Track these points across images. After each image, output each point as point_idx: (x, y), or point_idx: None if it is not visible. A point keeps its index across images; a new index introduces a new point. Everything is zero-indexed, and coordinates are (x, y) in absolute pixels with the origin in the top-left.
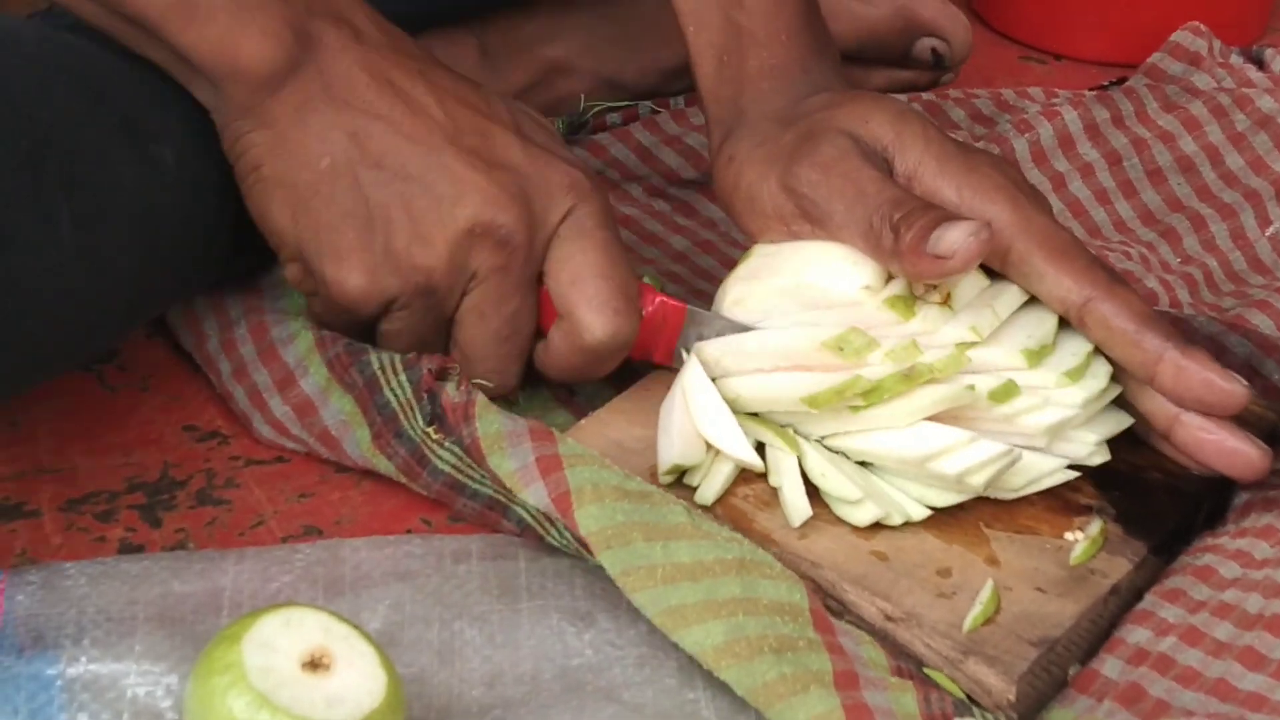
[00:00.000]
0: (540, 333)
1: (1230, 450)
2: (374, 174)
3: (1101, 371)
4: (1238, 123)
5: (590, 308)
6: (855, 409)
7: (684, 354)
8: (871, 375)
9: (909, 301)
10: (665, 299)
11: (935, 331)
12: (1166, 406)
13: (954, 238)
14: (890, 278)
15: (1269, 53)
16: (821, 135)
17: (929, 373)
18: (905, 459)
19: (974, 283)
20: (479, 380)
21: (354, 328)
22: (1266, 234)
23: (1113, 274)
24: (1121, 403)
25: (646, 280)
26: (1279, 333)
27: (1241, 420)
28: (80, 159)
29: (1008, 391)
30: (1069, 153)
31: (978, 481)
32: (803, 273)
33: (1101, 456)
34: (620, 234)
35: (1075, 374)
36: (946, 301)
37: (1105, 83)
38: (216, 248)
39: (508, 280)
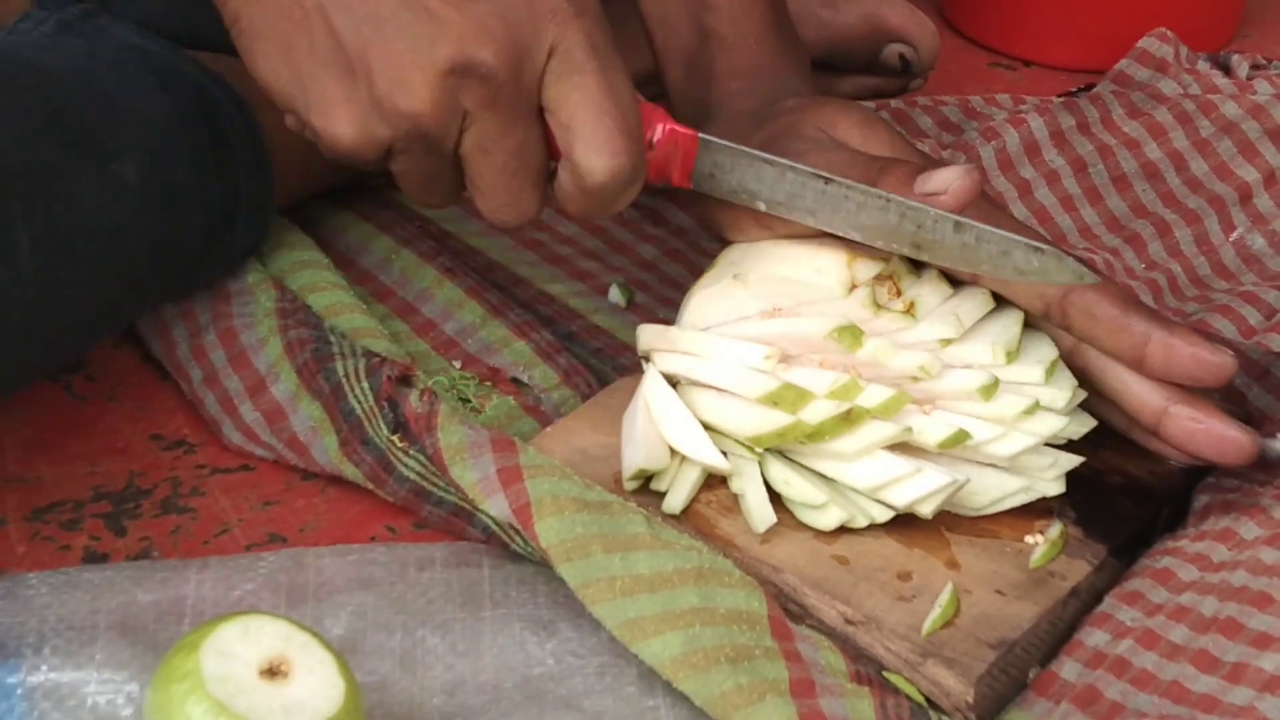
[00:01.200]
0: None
1: (1221, 437)
2: (346, 17)
3: (1066, 380)
4: (1202, 129)
5: (588, 149)
6: (802, 444)
7: (707, 175)
8: (811, 418)
9: (856, 333)
10: (675, 126)
11: (885, 365)
12: (1154, 400)
13: (945, 174)
14: (855, 285)
15: (1235, 59)
16: (795, 133)
17: (868, 414)
18: (855, 486)
19: (937, 291)
20: (493, 216)
21: (368, 167)
22: (1230, 239)
23: (1087, 264)
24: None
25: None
26: (1241, 338)
27: None
28: (38, 179)
29: (957, 439)
30: (1035, 160)
31: (926, 511)
32: (773, 269)
33: (1057, 487)
34: (619, 60)
35: (1033, 409)
36: (910, 310)
37: (1073, 89)
38: (182, 260)
39: (501, 115)
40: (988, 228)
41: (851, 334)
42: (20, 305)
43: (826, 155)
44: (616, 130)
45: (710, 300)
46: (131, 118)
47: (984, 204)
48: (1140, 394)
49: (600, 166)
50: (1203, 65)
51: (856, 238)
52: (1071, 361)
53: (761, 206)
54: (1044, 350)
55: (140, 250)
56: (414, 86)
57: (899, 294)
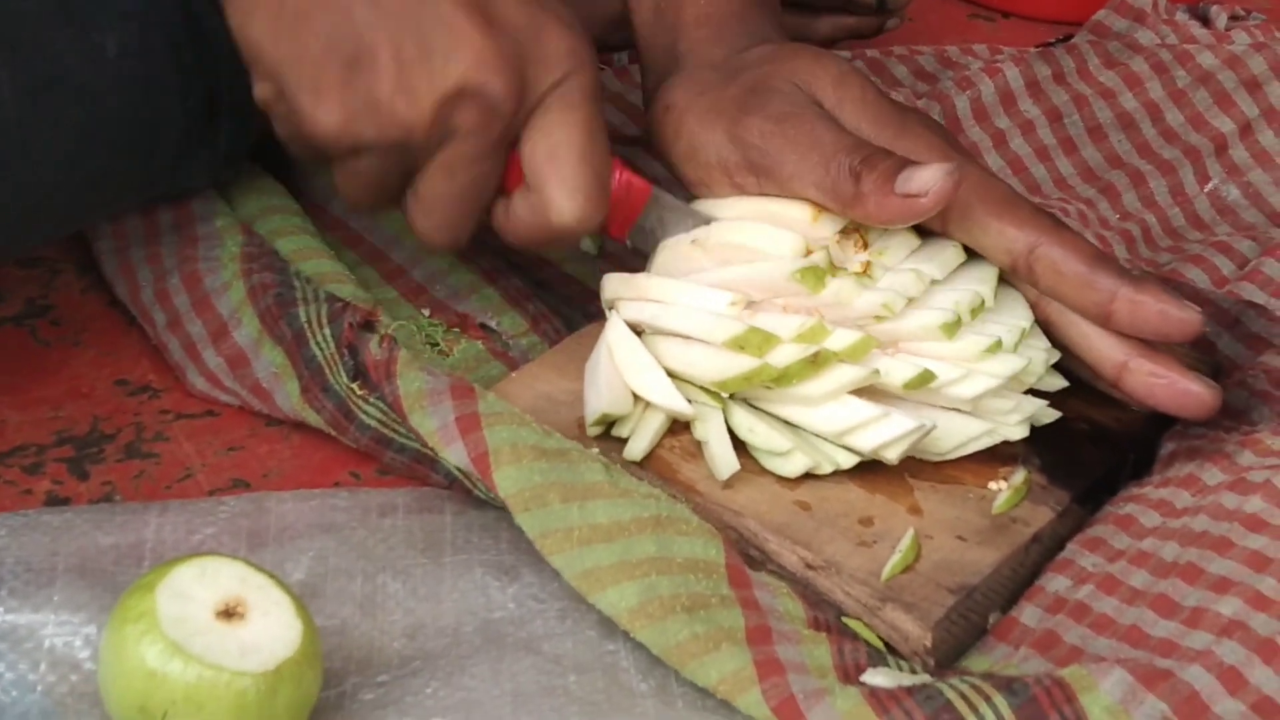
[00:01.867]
0: (501, 192)
1: (1182, 392)
2: (368, 11)
3: (1036, 352)
4: (1178, 79)
5: (563, 188)
6: (768, 388)
7: (648, 231)
8: (778, 361)
9: (819, 273)
10: (632, 177)
11: (849, 304)
12: (1114, 354)
13: (926, 177)
14: (810, 251)
15: (1214, 9)
16: (771, 88)
17: (835, 358)
18: (820, 431)
19: (904, 243)
20: (426, 235)
21: (315, 158)
22: (1205, 190)
23: (1056, 220)
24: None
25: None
26: (1213, 287)
27: None
28: (19, 28)
29: (923, 380)
30: (1010, 110)
31: (891, 455)
32: (730, 236)
33: (1021, 431)
34: (603, 112)
35: (995, 348)
36: (866, 271)
37: (1051, 40)
38: (158, 152)
39: (485, 142)
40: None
41: (815, 274)
42: (6, 152)
43: (810, 127)
44: (593, 177)
45: (674, 260)
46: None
47: (971, 168)
48: (1101, 348)
49: (571, 209)
50: (1181, 16)
51: None
52: (1035, 312)
53: None
54: (1015, 314)
55: (116, 125)
56: (418, 98)
57: (865, 246)
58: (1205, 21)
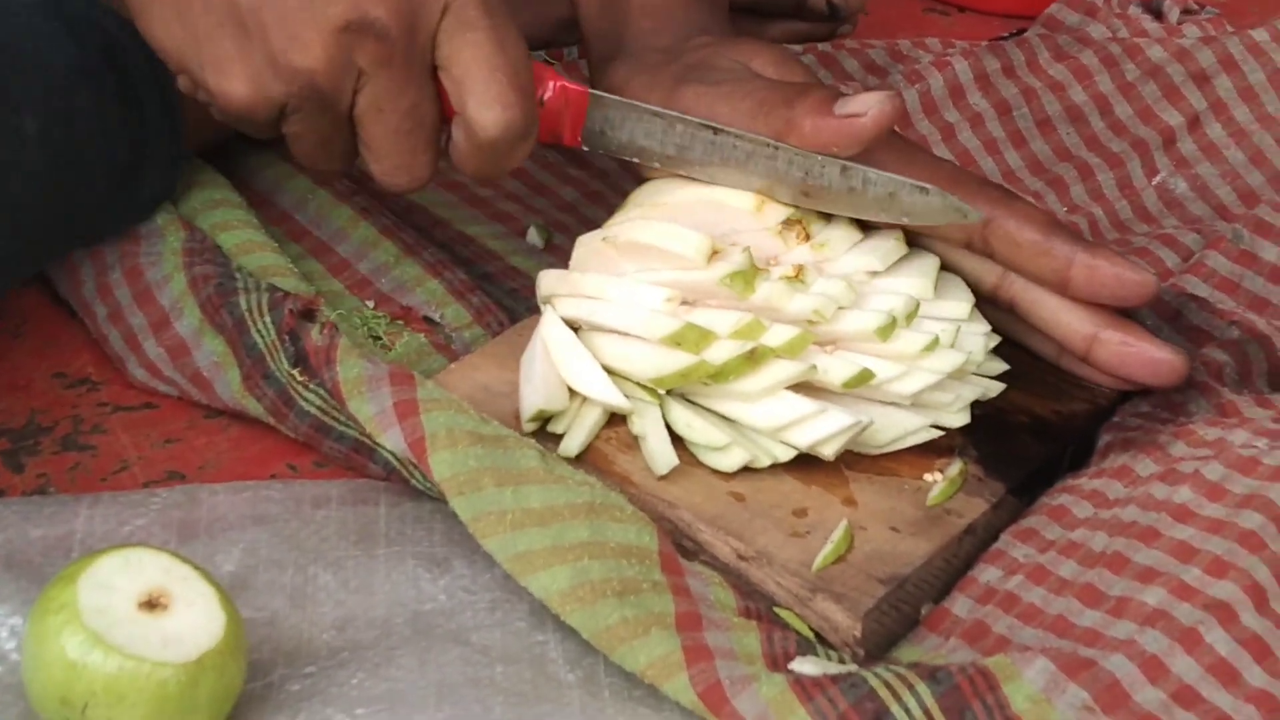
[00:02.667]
0: (447, 122)
1: (1153, 359)
2: None
3: (976, 339)
4: (1127, 72)
5: (480, 104)
6: (705, 385)
7: (598, 133)
8: (715, 358)
9: (748, 277)
10: (566, 83)
11: (781, 310)
12: (1083, 327)
13: (866, 98)
14: (716, 251)
15: (1167, 3)
16: (711, 64)
17: (772, 354)
18: (757, 427)
19: (847, 236)
20: (384, 180)
21: (261, 131)
22: (1153, 183)
23: (1006, 191)
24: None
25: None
26: (1160, 283)
27: None
28: None
29: (862, 379)
30: (959, 103)
31: (828, 451)
32: (637, 235)
33: (962, 419)
34: (511, 19)
35: (933, 345)
36: (799, 275)
37: (1004, 34)
38: (86, 208)
39: (395, 74)
40: (874, 171)
41: (743, 279)
42: None
43: (743, 84)
44: (508, 85)
45: (589, 257)
46: (33, 68)
47: (904, 145)
48: (1069, 322)
49: (492, 120)
50: (1134, 10)
51: (747, 189)
52: (999, 295)
53: (656, 165)
54: (954, 304)
55: (40, 201)
56: (308, 43)
57: (808, 238)
58: (1158, 15)
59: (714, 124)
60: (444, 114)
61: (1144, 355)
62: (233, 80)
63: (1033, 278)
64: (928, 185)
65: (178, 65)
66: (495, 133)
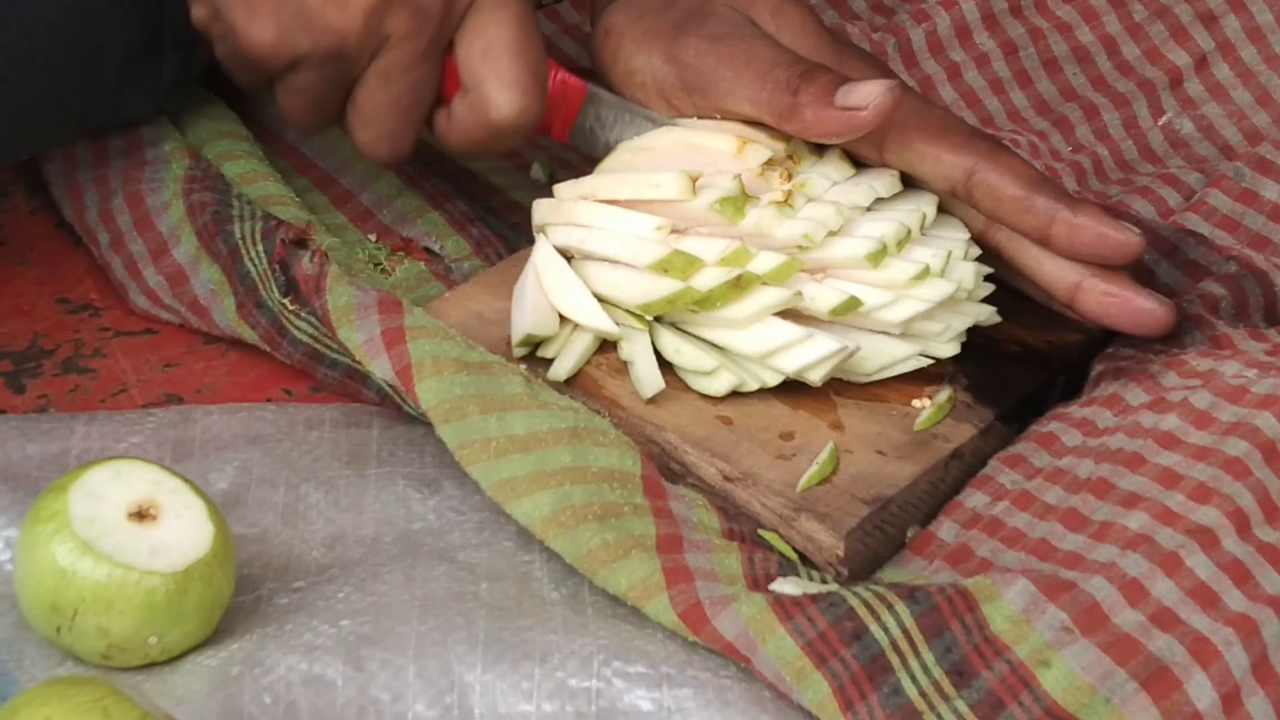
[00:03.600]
0: (440, 101)
1: (1137, 309)
2: None
3: (967, 269)
4: (1135, 13)
5: (500, 84)
6: (693, 312)
7: (587, 130)
8: (702, 285)
9: (738, 203)
10: (568, 76)
11: (770, 234)
12: (1066, 275)
13: (866, 90)
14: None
15: None
16: (709, 12)
17: (759, 280)
18: (744, 354)
19: (839, 170)
20: (367, 147)
21: (256, 79)
22: (1159, 123)
23: (995, 142)
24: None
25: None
26: (1159, 218)
27: None
28: None
29: (849, 306)
30: (965, 42)
31: (815, 377)
32: (624, 190)
33: (952, 349)
34: (532, 7)
35: (924, 274)
36: (788, 200)
37: None
38: (97, 82)
39: (418, 47)
40: None
41: (733, 205)
42: None
43: (745, 45)
44: (529, 71)
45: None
46: None
47: (907, 96)
48: (1053, 271)
49: (508, 102)
50: None
51: None
52: (984, 240)
53: None
54: (947, 237)
55: (56, 57)
56: (349, 5)
57: (790, 179)
58: None
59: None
60: (441, 94)
61: (1128, 305)
62: (261, 23)
63: (1016, 231)
64: None
65: None
66: (509, 114)
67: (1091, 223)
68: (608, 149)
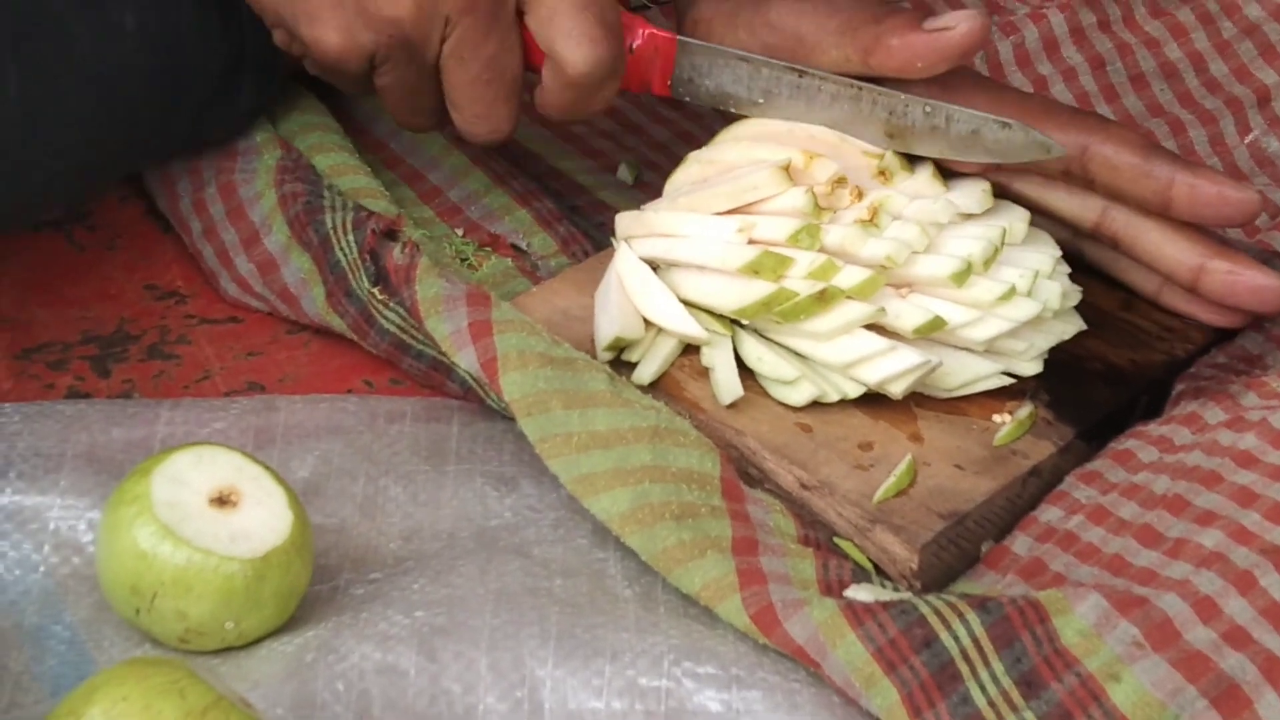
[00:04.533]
0: (533, 73)
1: (1261, 286)
2: None
3: (1053, 289)
4: (1224, 30)
5: (569, 40)
6: (778, 323)
7: (686, 80)
8: (796, 286)
9: (814, 231)
10: (654, 30)
11: (854, 255)
12: (1189, 257)
13: (954, 15)
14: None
15: None
16: None
17: (843, 295)
18: (827, 363)
19: (930, 186)
20: (466, 129)
21: (351, 84)
22: (1246, 141)
23: (1102, 118)
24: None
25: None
26: (1244, 237)
27: None
28: (31, 20)
29: (933, 326)
30: (1053, 56)
31: (896, 390)
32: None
33: (1035, 367)
34: None
35: (1010, 295)
36: (873, 219)
37: None
38: (183, 113)
39: (479, 22)
40: (957, 108)
41: (809, 233)
42: (9, 141)
43: (824, 4)
44: (595, 21)
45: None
46: None
47: (992, 84)
48: (1175, 253)
49: (581, 56)
50: None
51: (830, 128)
52: (1101, 230)
53: (742, 110)
54: (1036, 256)
55: (136, 98)
56: None
57: (860, 196)
58: None
59: (799, 66)
60: (529, 64)
61: (1252, 282)
62: (325, 29)
63: (1134, 201)
64: (1011, 120)
65: (274, 18)
66: (584, 68)
67: (1210, 183)
68: (710, 95)
